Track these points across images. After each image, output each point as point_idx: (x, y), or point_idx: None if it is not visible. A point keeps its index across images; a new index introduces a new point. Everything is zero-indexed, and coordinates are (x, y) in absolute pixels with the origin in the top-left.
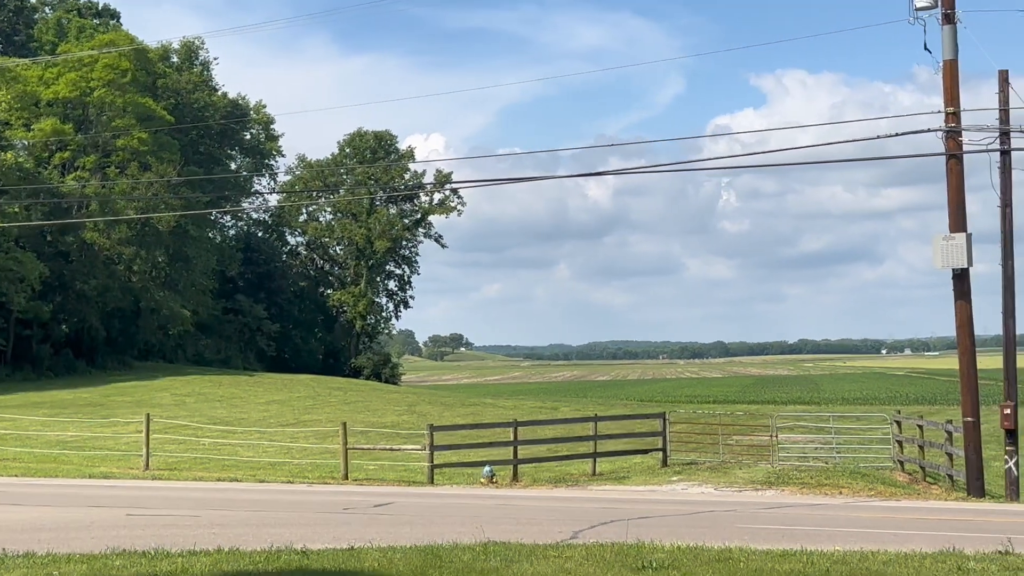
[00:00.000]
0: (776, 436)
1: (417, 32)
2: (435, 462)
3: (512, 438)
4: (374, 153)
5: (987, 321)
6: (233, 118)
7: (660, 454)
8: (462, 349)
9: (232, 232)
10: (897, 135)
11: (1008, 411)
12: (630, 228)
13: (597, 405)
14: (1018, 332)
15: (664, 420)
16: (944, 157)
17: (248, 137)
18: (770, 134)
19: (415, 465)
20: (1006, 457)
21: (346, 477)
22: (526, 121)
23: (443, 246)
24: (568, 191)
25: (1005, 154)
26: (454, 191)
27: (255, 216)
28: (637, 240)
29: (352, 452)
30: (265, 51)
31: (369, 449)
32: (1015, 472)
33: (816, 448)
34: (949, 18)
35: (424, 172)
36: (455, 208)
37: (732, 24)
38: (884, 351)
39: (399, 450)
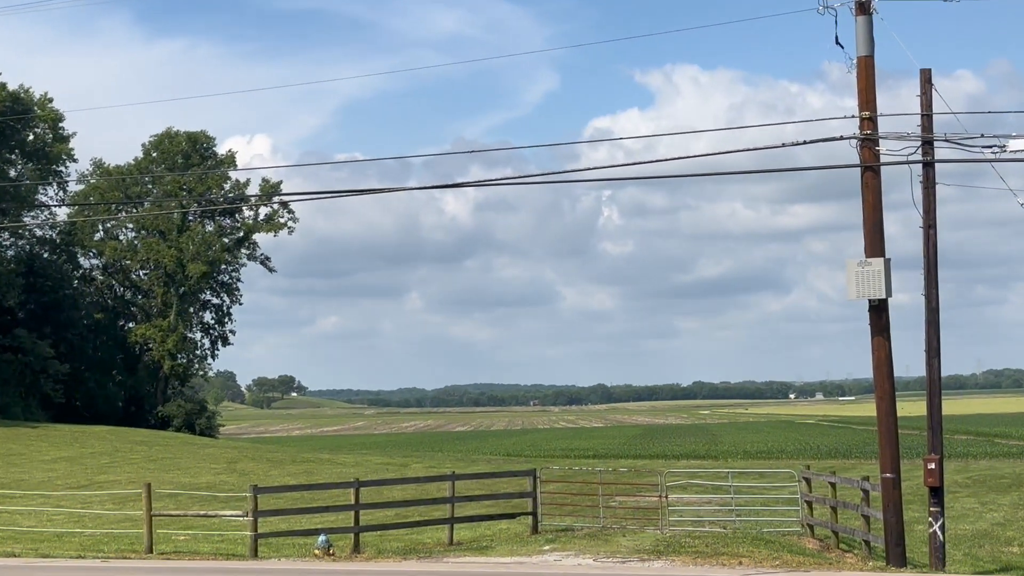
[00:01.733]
0: (666, 496)
1: (238, 14)
2: (260, 530)
3: (353, 501)
4: (187, 158)
5: (909, 360)
6: (13, 114)
7: (530, 519)
8: (293, 394)
9: (11, 253)
10: (805, 143)
11: (932, 466)
12: (494, 250)
13: (455, 461)
14: (944, 374)
15: (535, 478)
16: (859, 169)
17: (31, 138)
18: (658, 140)
19: (235, 535)
20: (930, 520)
21: (150, 550)
22: (369, 122)
23: (271, 270)
24: (421, 205)
25: (928, 166)
26: (283, 204)
27: (39, 233)
28: (503, 264)
29: (158, 520)
30: (53, 33)
31: (179, 516)
32: (940, 537)
33: (713, 510)
34: (864, 8)
35: (248, 182)
36: (285, 225)
37: (614, 11)
38: (792, 395)
39: (216, 516)
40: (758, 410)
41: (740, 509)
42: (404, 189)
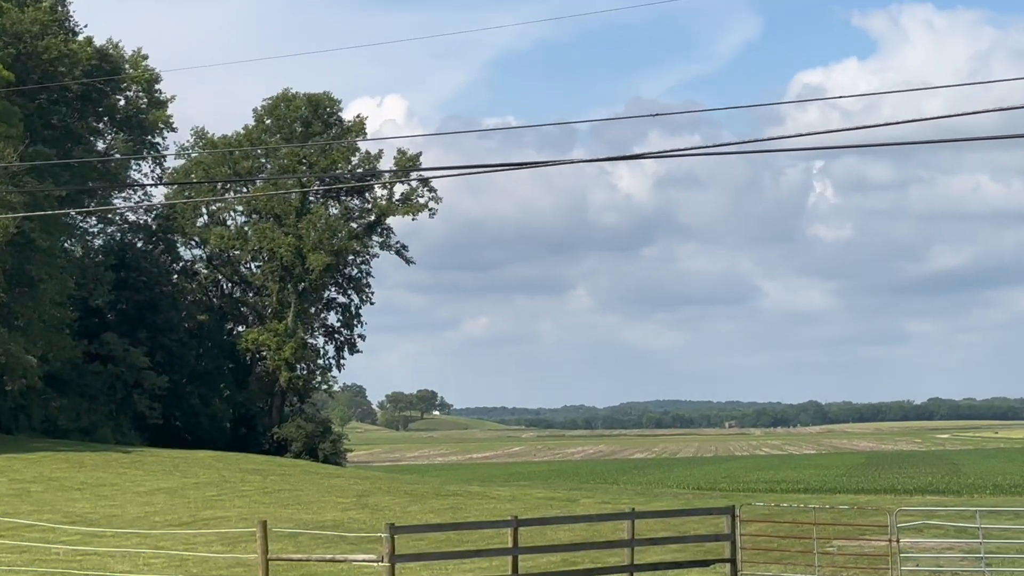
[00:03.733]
0: (897, 540)
1: None
2: None
3: (511, 543)
4: (306, 126)
5: None
6: (100, 75)
7: (727, 567)
8: (436, 413)
9: (98, 242)
10: None
11: None
12: (679, 235)
13: (634, 495)
14: None
15: (733, 517)
16: None
17: (123, 103)
18: (882, 98)
19: None
20: None
21: None
22: (526, 79)
23: (408, 261)
24: (589, 181)
25: None
26: (423, 181)
27: (132, 218)
28: (690, 253)
29: (276, 565)
30: None
31: (301, 560)
32: None
33: (957, 558)
34: None
35: (380, 153)
36: (424, 206)
37: None
38: None
39: (345, 561)
40: (1011, 434)
41: (991, 557)
42: (569, 162)
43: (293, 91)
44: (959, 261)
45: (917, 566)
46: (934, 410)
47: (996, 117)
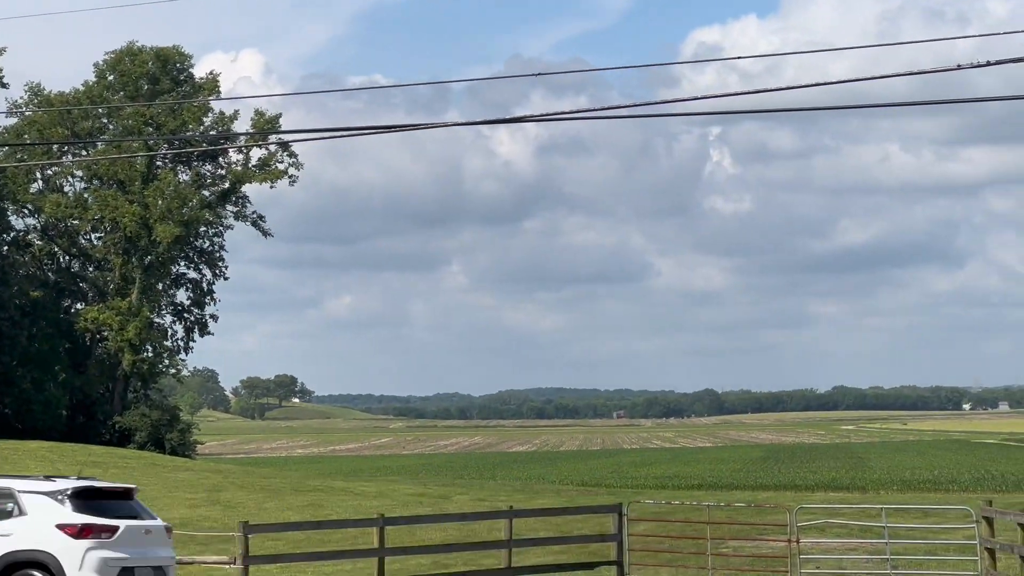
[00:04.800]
0: (797, 540)
1: None
2: None
3: (377, 544)
4: (154, 83)
5: None
6: None
7: (614, 569)
8: (295, 401)
9: None
10: (986, 64)
11: None
12: (564, 207)
13: (513, 492)
14: None
15: (620, 516)
16: None
17: None
18: (785, 60)
19: None
20: None
21: None
22: (396, 35)
23: (265, 233)
24: (465, 147)
25: None
26: (283, 145)
27: None
28: (575, 226)
29: None
30: None
31: None
32: None
33: (861, 560)
34: None
35: (235, 114)
36: (284, 172)
37: None
38: (967, 406)
39: (193, 563)
40: (920, 425)
41: (897, 559)
42: (443, 125)
43: (139, 44)
44: (867, 237)
45: (818, 568)
46: (839, 400)
47: (907, 81)
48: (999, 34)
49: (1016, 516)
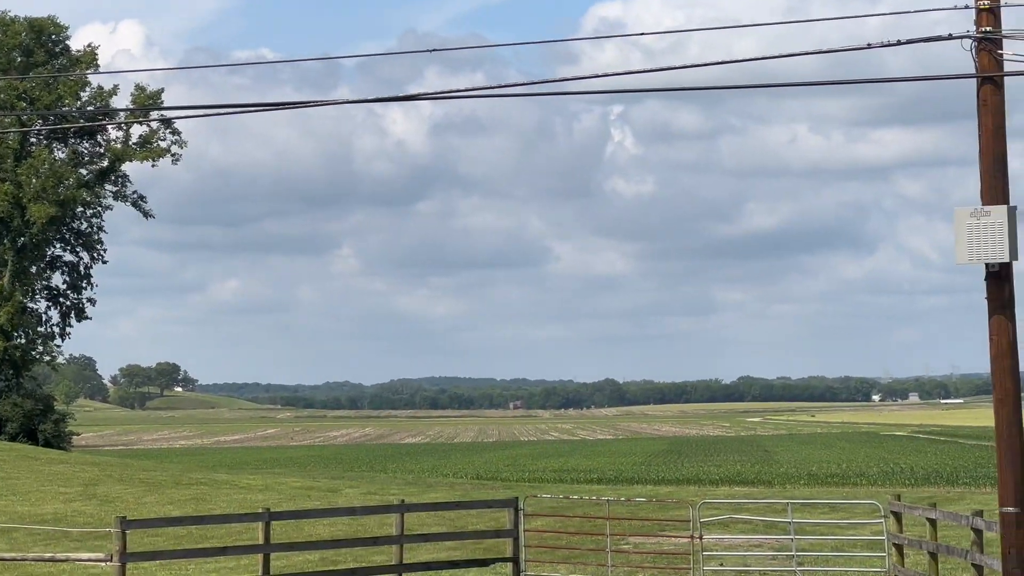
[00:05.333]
0: (701, 537)
1: None
2: None
3: (262, 539)
4: (27, 55)
5: None
6: None
7: (509, 566)
8: (178, 390)
9: None
10: (897, 43)
11: None
12: (460, 188)
13: (404, 485)
14: None
15: (516, 511)
16: (974, 80)
17: None
18: (689, 36)
19: None
20: None
21: None
22: (284, 8)
23: (147, 215)
24: (356, 125)
25: None
26: (165, 122)
27: None
28: (470, 208)
29: None
30: None
31: (15, 560)
32: None
33: (766, 557)
34: None
35: (115, 89)
36: (167, 151)
37: None
38: (877, 397)
39: (67, 561)
40: (829, 417)
41: (803, 555)
42: (334, 103)
43: (11, 14)
44: (775, 222)
45: (722, 565)
46: (744, 391)
47: (815, 60)
48: (910, 12)
49: (925, 511)
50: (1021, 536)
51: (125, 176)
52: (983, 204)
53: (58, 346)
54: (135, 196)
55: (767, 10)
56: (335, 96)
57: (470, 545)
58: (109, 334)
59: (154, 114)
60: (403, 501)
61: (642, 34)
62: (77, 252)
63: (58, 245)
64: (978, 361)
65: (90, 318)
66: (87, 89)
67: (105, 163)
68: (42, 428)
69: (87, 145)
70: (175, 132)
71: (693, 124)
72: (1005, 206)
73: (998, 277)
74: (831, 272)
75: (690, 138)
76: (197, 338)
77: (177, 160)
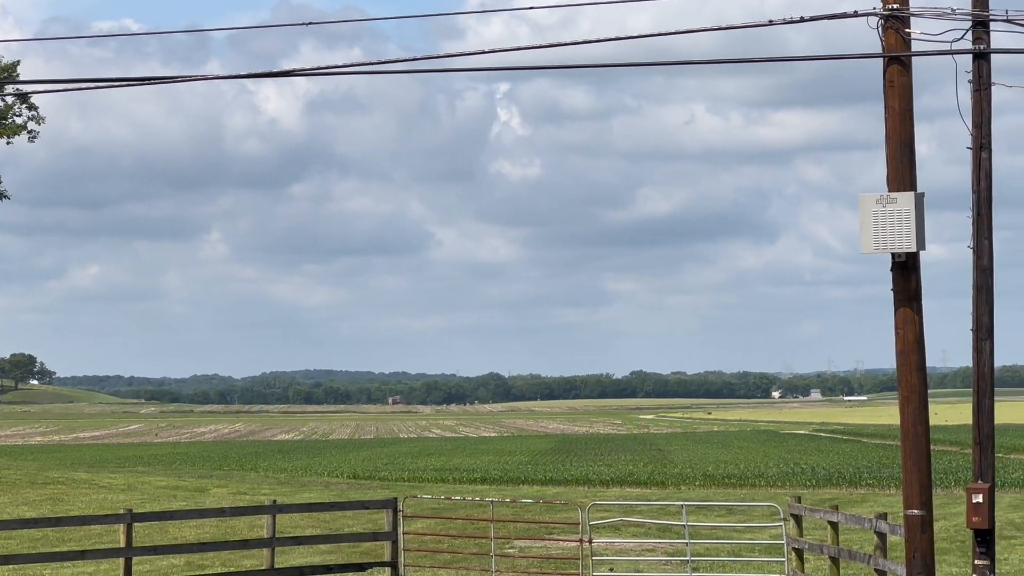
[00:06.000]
0: (590, 540)
1: None
2: None
3: (123, 543)
4: None
5: (948, 344)
6: None
7: (387, 571)
8: (33, 383)
9: None
10: (800, 20)
11: (979, 499)
12: (336, 170)
13: (277, 485)
14: (998, 364)
15: (395, 512)
16: (880, 60)
17: None
18: (579, 11)
19: None
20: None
21: None
22: None
23: (1, 196)
24: (226, 103)
25: (981, 58)
26: (21, 97)
27: None
28: (348, 191)
29: None
30: None
31: None
32: None
33: (660, 562)
34: None
35: None
36: (23, 128)
37: None
38: (777, 394)
39: None
40: (726, 415)
41: (698, 560)
42: (202, 78)
43: None
44: (670, 208)
45: (612, 570)
46: (637, 386)
47: (714, 37)
48: None
49: (826, 514)
50: (926, 540)
51: None
52: (889, 190)
53: None
54: None
55: None
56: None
57: (346, 548)
58: None
59: (8, 87)
60: (275, 502)
61: (530, 8)
62: None
63: None
64: (883, 356)
65: None
66: None
67: None
68: None
69: None
70: (32, 107)
71: (584, 104)
72: (912, 193)
73: (905, 268)
74: (729, 262)
75: (581, 119)
76: (55, 328)
77: (34, 137)
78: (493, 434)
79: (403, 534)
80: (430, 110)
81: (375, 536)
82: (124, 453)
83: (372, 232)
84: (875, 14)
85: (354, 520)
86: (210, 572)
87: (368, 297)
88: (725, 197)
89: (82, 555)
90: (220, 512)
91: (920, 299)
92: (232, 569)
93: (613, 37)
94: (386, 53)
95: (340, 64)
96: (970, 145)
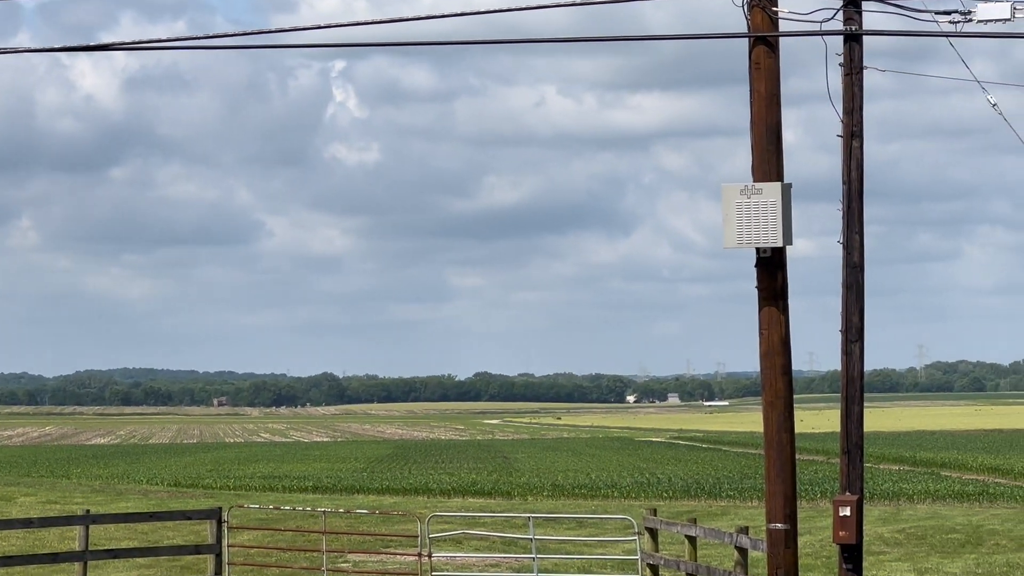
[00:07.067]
0: (430, 555)
1: None
2: None
3: None
4: None
5: (815, 346)
6: None
7: None
8: None
9: None
10: None
11: (847, 512)
12: (157, 152)
13: (91, 492)
14: (869, 367)
15: (219, 523)
16: (745, 41)
17: None
18: None
19: None
20: None
21: None
22: None
23: None
24: (38, 76)
25: (853, 40)
26: None
27: None
28: (170, 176)
29: None
30: None
31: None
32: None
33: None
34: None
35: None
36: None
37: None
38: (632, 398)
39: None
40: (577, 420)
41: (546, 575)
42: (11, 51)
43: None
44: (518, 197)
45: None
46: (481, 389)
47: (567, 14)
48: None
49: (684, 527)
50: (790, 556)
51: None
52: (754, 181)
53: None
54: None
55: None
56: (13, 44)
57: (166, 563)
58: None
59: None
60: (88, 511)
61: None
62: None
63: None
64: (746, 359)
65: None
66: None
67: None
68: None
69: None
70: None
71: (426, 84)
72: (779, 183)
73: (770, 264)
74: (581, 255)
75: (422, 100)
76: None
77: None
78: (326, 439)
79: (228, 547)
80: (260, 89)
81: (197, 549)
82: None
83: (197, 220)
84: None
85: (175, 532)
86: None
87: (192, 290)
88: (577, 186)
89: None
90: (27, 523)
91: (786, 297)
92: None
93: (457, 12)
94: (213, 27)
95: (163, 38)
96: (840, 133)
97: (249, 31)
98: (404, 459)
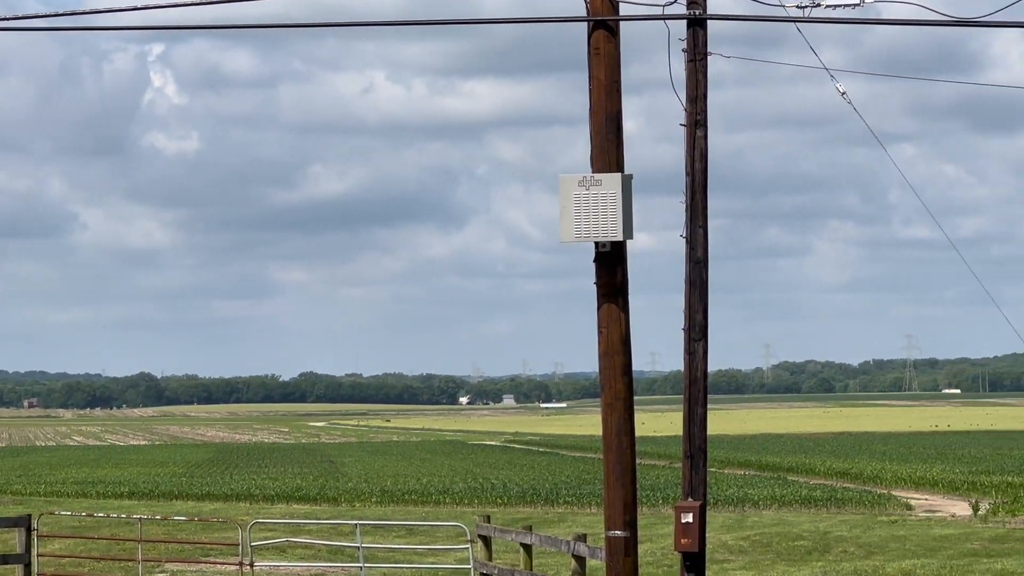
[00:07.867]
0: (251, 564)
1: None
2: None
3: None
4: None
5: (657, 346)
6: None
7: None
8: None
9: None
10: None
11: (689, 519)
12: None
13: None
14: (713, 368)
15: (28, 531)
16: (584, 25)
17: None
18: None
19: None
20: None
21: None
22: None
23: None
24: None
25: (697, 25)
26: None
27: None
28: None
29: None
30: None
31: None
32: None
33: None
34: None
35: None
36: None
37: None
38: (464, 399)
39: None
40: (407, 423)
41: None
42: None
43: None
44: (345, 188)
45: None
46: (307, 390)
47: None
48: None
49: (519, 535)
50: (630, 564)
51: None
52: (593, 171)
53: None
54: None
55: None
56: None
57: None
58: None
59: None
60: None
61: None
62: None
63: None
64: (584, 359)
65: None
66: None
67: None
68: None
69: None
70: None
71: (248, 69)
72: (619, 174)
73: (610, 258)
74: (412, 249)
75: (244, 85)
76: None
77: None
78: (143, 442)
79: (38, 556)
80: (73, 74)
81: (4, 559)
82: None
83: (5, 212)
84: None
85: None
86: None
87: (1, 286)
88: (408, 176)
89: None
90: None
91: (627, 294)
92: None
93: None
94: (22, 7)
95: None
96: (684, 122)
97: (60, 12)
98: (225, 463)
